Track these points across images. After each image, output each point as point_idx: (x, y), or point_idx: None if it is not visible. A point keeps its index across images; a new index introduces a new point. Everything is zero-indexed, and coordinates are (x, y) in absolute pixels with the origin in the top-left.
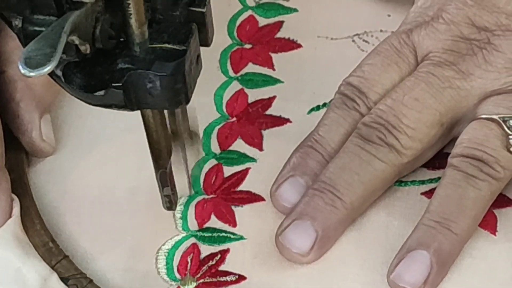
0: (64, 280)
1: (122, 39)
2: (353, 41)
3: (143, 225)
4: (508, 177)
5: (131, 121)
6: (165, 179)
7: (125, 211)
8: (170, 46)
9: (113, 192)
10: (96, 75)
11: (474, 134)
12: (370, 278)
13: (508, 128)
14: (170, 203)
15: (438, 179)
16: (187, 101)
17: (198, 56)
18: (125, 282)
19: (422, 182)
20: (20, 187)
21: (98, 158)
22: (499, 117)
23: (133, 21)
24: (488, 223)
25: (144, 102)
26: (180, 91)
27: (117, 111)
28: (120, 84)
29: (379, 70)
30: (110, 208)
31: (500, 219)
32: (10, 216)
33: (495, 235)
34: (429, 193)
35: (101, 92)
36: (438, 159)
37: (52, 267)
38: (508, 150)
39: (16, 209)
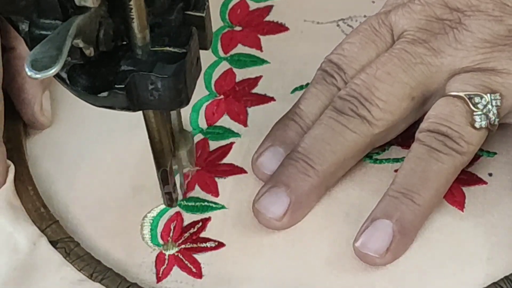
0: (53, 243)
1: (124, 42)
2: (338, 25)
3: (131, 193)
4: (472, 152)
5: None
6: (166, 178)
7: (113, 180)
8: (171, 49)
9: (104, 163)
10: (99, 77)
11: (440, 110)
12: (342, 250)
13: (474, 105)
14: (170, 200)
15: None
16: (188, 102)
17: (198, 58)
18: (111, 246)
19: (396, 160)
20: (17, 156)
21: (91, 132)
22: (465, 95)
23: (135, 25)
24: (457, 200)
25: (146, 103)
26: (181, 92)
27: None
28: (123, 86)
29: (357, 48)
30: (100, 178)
31: (468, 197)
32: (4, 183)
33: (462, 211)
34: None
35: (105, 94)
36: (412, 139)
37: (43, 231)
38: (473, 126)
39: (11, 176)
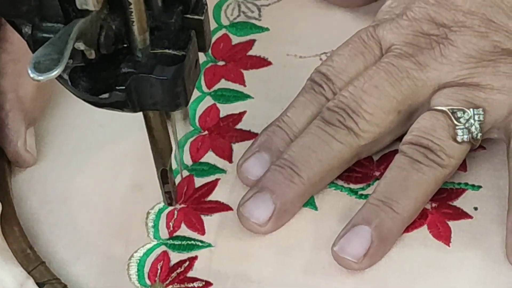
0: (40, 285)
1: (125, 45)
2: (321, 59)
3: (117, 233)
4: (454, 165)
5: (108, 134)
6: (165, 177)
7: (100, 219)
8: (170, 51)
9: (89, 201)
10: (101, 79)
11: (423, 124)
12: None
13: (456, 119)
14: (170, 199)
15: None
16: (187, 103)
17: (197, 61)
18: (98, 287)
19: None
20: (2, 195)
21: (76, 169)
22: (448, 109)
23: (135, 28)
24: (442, 234)
25: (146, 104)
26: (180, 94)
27: (98, 125)
28: (124, 88)
29: (346, 60)
30: (86, 217)
31: (454, 231)
32: None
33: (449, 246)
34: None
35: (106, 95)
36: None
37: (29, 273)
38: (455, 140)
39: None
